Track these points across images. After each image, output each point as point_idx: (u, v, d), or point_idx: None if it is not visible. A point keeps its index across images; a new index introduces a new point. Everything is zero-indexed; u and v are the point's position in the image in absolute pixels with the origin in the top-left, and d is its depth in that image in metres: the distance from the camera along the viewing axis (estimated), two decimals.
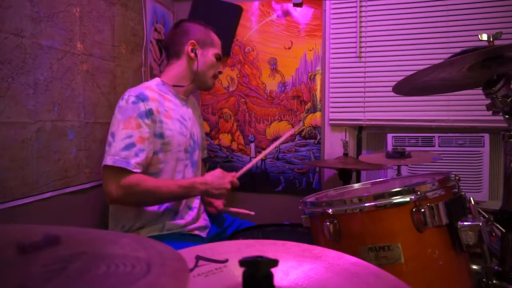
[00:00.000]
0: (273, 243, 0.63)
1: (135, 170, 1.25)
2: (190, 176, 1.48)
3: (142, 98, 1.32)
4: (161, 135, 1.34)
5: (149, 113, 1.31)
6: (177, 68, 1.48)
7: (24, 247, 0.34)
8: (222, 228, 1.62)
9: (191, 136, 1.48)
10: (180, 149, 1.41)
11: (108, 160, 1.25)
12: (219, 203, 1.62)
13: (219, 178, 1.36)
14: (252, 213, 1.52)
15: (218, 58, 1.53)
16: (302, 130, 2.01)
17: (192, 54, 1.46)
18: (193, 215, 1.46)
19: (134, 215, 1.36)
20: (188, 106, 1.53)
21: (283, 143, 2.01)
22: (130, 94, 1.33)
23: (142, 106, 1.30)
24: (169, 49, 1.52)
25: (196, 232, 1.46)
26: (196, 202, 1.50)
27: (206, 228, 1.53)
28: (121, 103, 1.33)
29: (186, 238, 1.40)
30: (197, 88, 1.57)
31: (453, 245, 0.83)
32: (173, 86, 1.47)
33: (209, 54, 1.50)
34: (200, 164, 1.61)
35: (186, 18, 1.98)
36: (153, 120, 1.32)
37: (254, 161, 1.55)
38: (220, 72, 1.56)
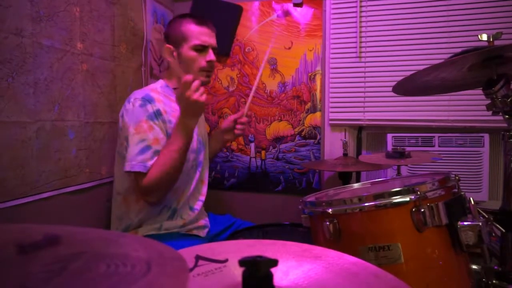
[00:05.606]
0: (273, 243, 0.63)
1: None
2: (196, 177, 1.48)
3: (148, 99, 1.32)
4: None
5: (158, 114, 1.32)
6: (171, 72, 1.48)
7: (24, 247, 0.34)
8: (222, 228, 1.62)
9: (197, 136, 1.48)
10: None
11: (126, 166, 1.28)
12: (227, 123, 1.63)
13: (180, 99, 1.24)
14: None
15: (199, 49, 1.40)
16: (302, 130, 2.01)
17: (171, 59, 1.44)
18: (192, 216, 1.46)
19: (135, 213, 1.37)
20: None
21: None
22: (136, 97, 1.33)
23: (150, 108, 1.31)
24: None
25: (195, 232, 1.46)
26: (198, 204, 1.50)
27: (205, 228, 1.52)
28: (128, 106, 1.33)
29: (184, 238, 1.40)
30: None
31: (453, 245, 0.83)
32: (174, 89, 1.47)
33: (185, 50, 1.40)
34: (207, 163, 1.61)
35: None
36: (163, 121, 1.33)
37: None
38: (210, 62, 1.42)
